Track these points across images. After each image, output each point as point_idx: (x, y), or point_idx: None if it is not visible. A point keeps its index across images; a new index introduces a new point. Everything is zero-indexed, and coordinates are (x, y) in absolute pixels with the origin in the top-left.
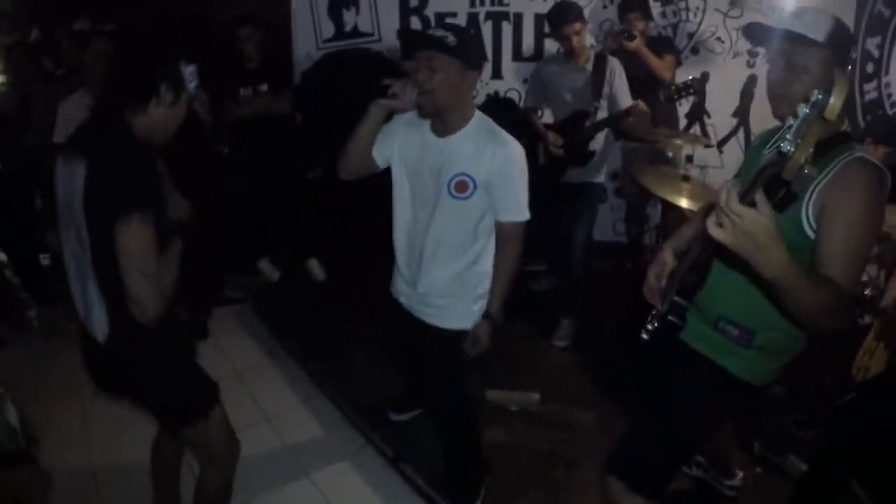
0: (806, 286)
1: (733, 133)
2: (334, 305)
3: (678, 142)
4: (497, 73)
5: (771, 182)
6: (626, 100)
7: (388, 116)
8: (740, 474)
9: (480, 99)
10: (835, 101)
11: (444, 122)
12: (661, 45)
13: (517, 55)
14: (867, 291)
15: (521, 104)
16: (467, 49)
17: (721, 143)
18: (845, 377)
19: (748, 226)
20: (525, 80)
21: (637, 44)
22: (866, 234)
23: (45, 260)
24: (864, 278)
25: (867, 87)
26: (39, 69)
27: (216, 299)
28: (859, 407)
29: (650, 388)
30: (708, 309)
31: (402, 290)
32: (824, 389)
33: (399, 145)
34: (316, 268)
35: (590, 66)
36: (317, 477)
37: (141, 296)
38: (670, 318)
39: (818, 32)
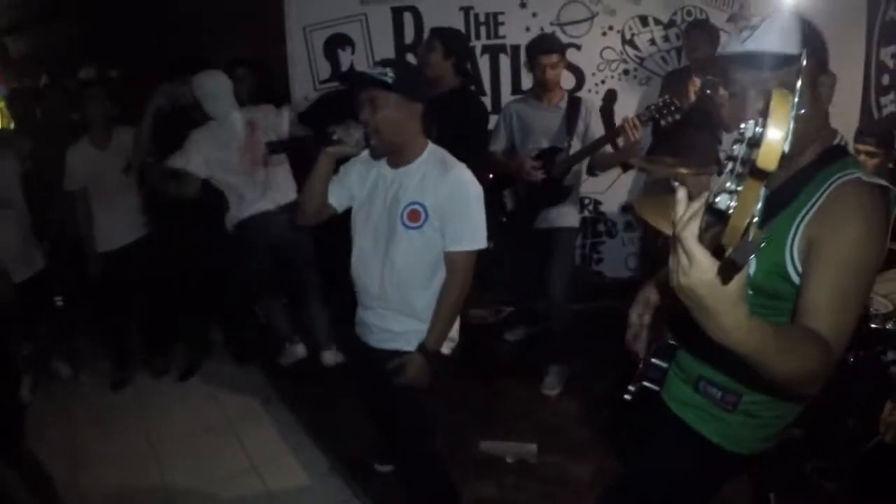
0: (775, 355)
1: None
2: None
3: (682, 170)
4: (496, 107)
5: (713, 246)
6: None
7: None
8: None
9: None
10: (771, 139)
11: (397, 154)
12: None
13: (516, 88)
14: (889, 325)
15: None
16: (407, 83)
17: None
18: (871, 421)
19: (703, 272)
20: None
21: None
22: (863, 273)
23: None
24: (888, 308)
25: (884, 100)
26: (50, 116)
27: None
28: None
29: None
30: (689, 368)
31: (365, 323)
32: (848, 435)
33: (357, 185)
34: None
35: (563, 105)
36: None
37: None
38: (646, 384)
39: (792, 44)
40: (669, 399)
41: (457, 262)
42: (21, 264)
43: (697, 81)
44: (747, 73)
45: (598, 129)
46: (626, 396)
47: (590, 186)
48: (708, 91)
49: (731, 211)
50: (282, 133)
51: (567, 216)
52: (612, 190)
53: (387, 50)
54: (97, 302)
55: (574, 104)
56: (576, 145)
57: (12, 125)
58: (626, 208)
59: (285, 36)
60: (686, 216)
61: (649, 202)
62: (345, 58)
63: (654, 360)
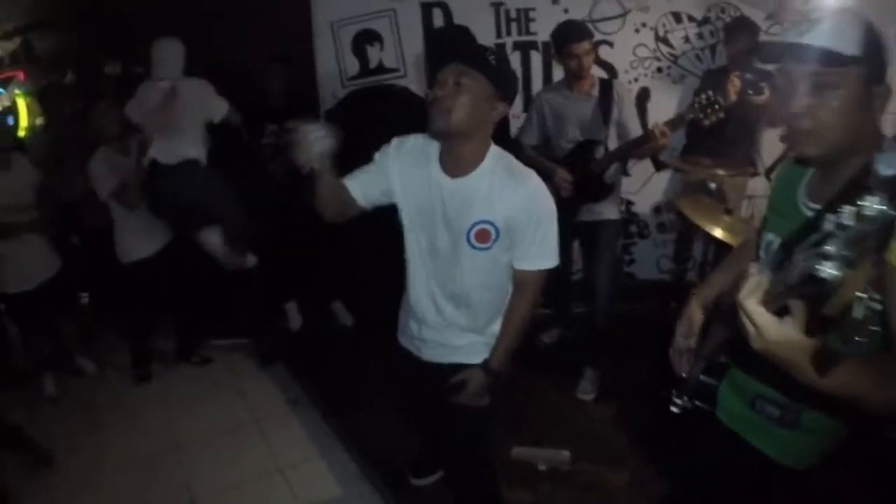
0: (870, 387)
1: (782, 159)
2: (362, 353)
3: (720, 172)
4: (527, 105)
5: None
6: (636, 126)
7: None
8: None
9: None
10: None
11: (456, 157)
12: (761, 78)
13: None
14: None
15: (521, 140)
16: (506, 78)
17: (769, 171)
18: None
19: (773, 337)
20: None
21: (767, 97)
22: None
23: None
24: None
25: None
26: (73, 112)
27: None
28: None
29: (685, 456)
30: (743, 385)
31: (420, 338)
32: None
33: (399, 185)
34: (342, 312)
35: (595, 93)
36: None
37: None
38: (697, 402)
39: (851, 45)
40: (723, 415)
41: (527, 282)
42: (41, 266)
43: (737, 81)
44: (800, 66)
45: (631, 115)
46: (674, 409)
47: (622, 186)
48: (750, 92)
49: (835, 280)
50: (213, 108)
51: (608, 210)
52: (645, 190)
53: (416, 47)
54: (123, 300)
55: (606, 90)
56: (611, 134)
57: (38, 121)
58: (660, 209)
59: (312, 32)
60: (750, 286)
61: (690, 199)
62: (373, 54)
63: (703, 377)
